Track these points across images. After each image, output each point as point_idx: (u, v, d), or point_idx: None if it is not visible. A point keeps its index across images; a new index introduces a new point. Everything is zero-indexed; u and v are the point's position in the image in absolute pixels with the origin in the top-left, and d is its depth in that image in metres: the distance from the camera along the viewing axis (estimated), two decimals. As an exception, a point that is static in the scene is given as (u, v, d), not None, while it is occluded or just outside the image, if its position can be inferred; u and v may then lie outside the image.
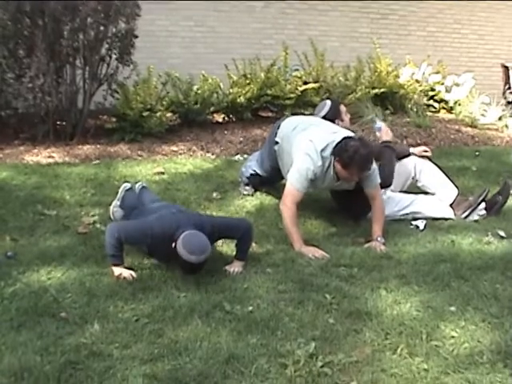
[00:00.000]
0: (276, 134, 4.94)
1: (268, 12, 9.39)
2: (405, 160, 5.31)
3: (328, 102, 5.30)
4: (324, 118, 5.08)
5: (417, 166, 5.23)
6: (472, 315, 3.38)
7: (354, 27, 9.84)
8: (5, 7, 6.10)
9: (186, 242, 3.55)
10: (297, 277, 3.79)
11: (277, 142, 4.90)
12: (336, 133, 4.57)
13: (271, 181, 5.28)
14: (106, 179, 5.63)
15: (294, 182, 4.44)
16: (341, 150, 4.35)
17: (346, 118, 5.30)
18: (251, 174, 5.37)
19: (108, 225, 3.94)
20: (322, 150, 4.42)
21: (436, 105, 9.25)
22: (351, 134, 4.60)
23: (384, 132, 5.32)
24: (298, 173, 4.43)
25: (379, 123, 5.48)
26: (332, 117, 5.13)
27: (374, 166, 4.54)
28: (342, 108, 5.31)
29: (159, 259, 3.89)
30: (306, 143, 4.50)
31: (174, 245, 3.58)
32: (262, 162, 5.25)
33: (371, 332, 3.18)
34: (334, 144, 4.41)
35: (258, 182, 5.40)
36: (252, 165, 5.39)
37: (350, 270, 3.93)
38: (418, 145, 7.44)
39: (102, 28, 6.59)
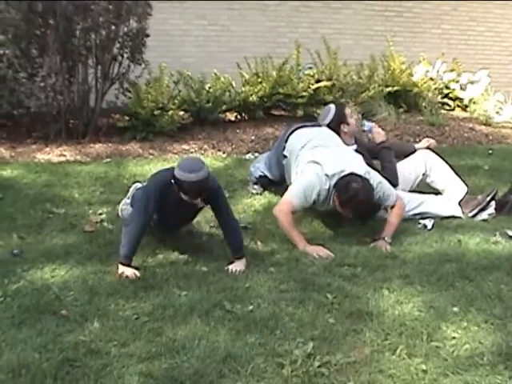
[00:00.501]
0: (284, 147, 4.90)
1: (282, 10, 9.37)
2: (415, 157, 5.28)
3: (332, 108, 5.21)
4: (329, 124, 5.05)
5: (427, 163, 5.20)
6: (475, 316, 3.35)
7: (369, 25, 9.78)
8: (17, 7, 6.16)
9: (183, 165, 3.76)
10: (299, 276, 3.78)
11: (285, 156, 4.88)
12: (346, 163, 4.46)
13: (280, 182, 5.26)
14: (115, 178, 5.66)
15: (295, 197, 4.39)
16: (342, 187, 4.29)
17: (353, 120, 5.22)
18: (260, 176, 5.37)
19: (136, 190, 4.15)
20: (332, 177, 4.36)
21: (451, 103, 9.21)
22: (359, 169, 4.45)
23: (376, 133, 5.26)
24: (303, 190, 4.38)
25: (368, 124, 5.38)
26: (337, 122, 5.10)
27: (384, 192, 4.49)
28: (347, 111, 5.24)
29: (167, 222, 4.02)
30: (315, 165, 4.45)
31: (173, 181, 3.72)
32: (271, 167, 5.25)
33: (371, 332, 3.16)
34: (342, 175, 4.35)
35: (266, 183, 5.39)
36: (261, 167, 5.38)
37: (354, 270, 3.91)
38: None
39: (113, 27, 6.64)
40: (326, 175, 4.37)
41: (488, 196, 5.03)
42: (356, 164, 4.54)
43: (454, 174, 5.19)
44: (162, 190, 3.83)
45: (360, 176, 4.35)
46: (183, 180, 3.68)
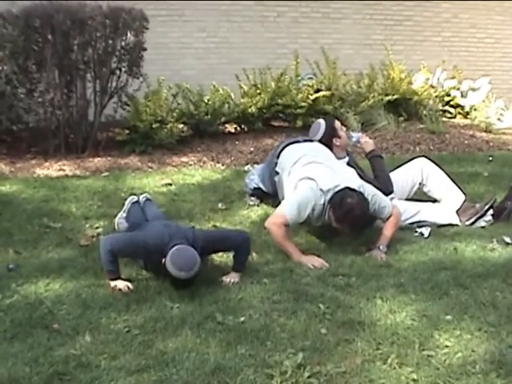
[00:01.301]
0: (276, 163, 4.89)
1: (281, 21, 9.42)
2: (411, 166, 5.27)
3: (322, 123, 5.16)
4: (321, 139, 5.03)
5: (424, 172, 5.18)
6: (468, 324, 3.33)
7: (368, 34, 9.80)
8: (14, 23, 6.21)
9: (175, 258, 3.56)
10: (293, 287, 3.77)
11: (277, 173, 4.87)
12: (340, 178, 4.45)
13: (274, 195, 5.25)
14: (113, 191, 5.68)
15: (288, 211, 4.33)
16: (336, 203, 4.27)
17: (342, 132, 5.21)
18: (254, 188, 5.38)
19: (101, 239, 3.96)
20: (327, 192, 4.34)
21: (452, 110, 9.20)
22: (353, 183, 4.43)
23: (364, 143, 5.22)
24: (297, 205, 4.33)
25: (355, 135, 5.32)
26: (329, 136, 5.07)
27: (379, 204, 4.47)
28: (337, 124, 5.22)
29: (155, 271, 3.90)
30: (309, 181, 4.42)
31: (163, 260, 3.59)
32: (264, 180, 5.24)
33: (363, 342, 3.14)
34: (336, 190, 4.34)
35: (261, 195, 5.39)
36: (255, 179, 5.38)
37: (348, 279, 3.90)
38: (430, 150, 7.44)
39: (110, 41, 6.67)
40: (321, 190, 4.35)
41: (486, 205, 5.00)
42: (350, 178, 4.53)
43: (451, 183, 5.17)
44: (148, 251, 3.74)
45: (354, 190, 4.33)
46: (171, 273, 3.56)
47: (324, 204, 4.35)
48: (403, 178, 5.17)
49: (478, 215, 4.97)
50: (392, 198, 4.89)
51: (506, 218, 5.07)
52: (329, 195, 4.34)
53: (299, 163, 4.65)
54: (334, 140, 5.07)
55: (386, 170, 5.04)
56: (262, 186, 5.28)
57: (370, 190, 4.47)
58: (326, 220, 4.41)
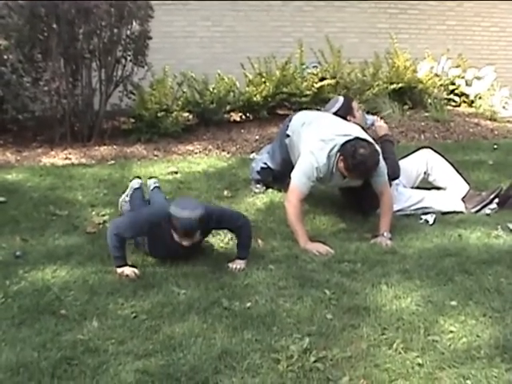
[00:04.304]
0: (288, 126, 4.95)
1: (286, 10, 9.38)
2: (416, 155, 5.28)
3: (340, 99, 5.25)
4: (336, 112, 5.06)
5: (428, 162, 5.19)
6: (473, 309, 3.35)
7: (373, 23, 9.76)
8: (20, 12, 6.21)
9: (178, 202, 3.76)
10: (298, 273, 3.80)
11: (288, 136, 4.90)
12: (348, 133, 4.48)
13: (282, 174, 5.21)
14: (119, 179, 5.69)
15: (298, 182, 4.42)
16: (348, 152, 4.29)
17: (358, 114, 5.24)
18: (262, 168, 5.38)
19: (108, 227, 4.00)
20: (331, 150, 4.38)
21: (457, 99, 9.17)
22: (364, 136, 4.52)
23: (379, 127, 5.20)
24: (303, 173, 4.41)
25: (370, 118, 5.34)
26: (344, 113, 5.09)
27: (382, 163, 4.50)
28: (354, 104, 5.24)
29: (159, 253, 3.95)
30: (314, 141, 4.47)
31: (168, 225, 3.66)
32: (274, 154, 5.26)
33: (368, 327, 3.17)
34: (343, 141, 4.37)
35: (268, 176, 5.41)
36: (263, 158, 5.41)
37: (353, 266, 3.92)
38: (435, 139, 7.43)
39: (115, 30, 6.68)
40: (327, 151, 4.36)
41: (492, 193, 5.01)
42: (360, 132, 4.57)
43: (456, 173, 5.18)
44: (153, 223, 3.79)
45: (365, 140, 4.38)
46: (176, 215, 3.62)
47: (328, 164, 4.37)
48: (408, 167, 5.17)
49: (483, 203, 4.97)
50: (397, 185, 4.91)
51: (511, 206, 5.07)
52: (335, 150, 4.36)
53: (309, 123, 4.74)
54: (348, 117, 5.06)
55: (395, 155, 5.00)
56: (270, 162, 5.30)
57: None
58: (339, 178, 4.44)
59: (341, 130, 4.57)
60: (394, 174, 4.80)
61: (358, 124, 5.03)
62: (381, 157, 4.48)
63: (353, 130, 4.57)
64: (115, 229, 3.77)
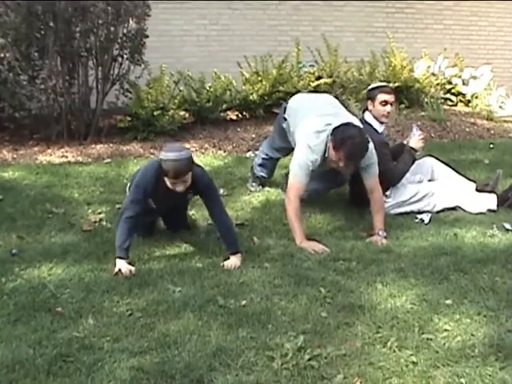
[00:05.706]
0: (285, 109, 4.97)
1: (282, 9, 9.39)
2: (422, 164, 5.27)
3: (373, 85, 5.23)
4: None
5: (434, 172, 5.24)
6: (468, 308, 3.35)
7: (370, 22, 9.78)
8: (17, 10, 6.21)
9: (166, 148, 3.91)
10: (294, 271, 3.80)
11: (285, 119, 4.92)
12: (343, 116, 4.56)
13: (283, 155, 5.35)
14: (115, 177, 5.71)
15: (296, 175, 4.44)
16: (338, 131, 4.33)
17: (381, 106, 4.97)
18: (263, 159, 5.40)
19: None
20: (323, 131, 4.41)
21: (453, 98, 9.20)
22: (357, 122, 4.55)
23: (414, 140, 4.99)
24: (299, 166, 4.42)
25: (416, 131, 5.05)
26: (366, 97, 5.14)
27: (374, 153, 4.48)
28: (383, 97, 4.98)
29: (170, 211, 4.26)
30: (310, 131, 4.46)
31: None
32: (273, 140, 5.30)
33: (363, 325, 3.17)
34: (335, 125, 4.38)
35: (272, 166, 5.47)
36: (264, 149, 5.42)
37: (348, 264, 3.93)
38: (432, 138, 7.45)
39: (112, 29, 6.68)
40: (321, 135, 4.39)
41: (494, 178, 5.16)
42: (354, 119, 4.59)
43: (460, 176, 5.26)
44: (152, 178, 3.91)
45: (356, 126, 4.42)
46: (163, 159, 3.77)
47: (324, 150, 4.39)
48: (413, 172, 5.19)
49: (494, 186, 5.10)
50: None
51: (508, 207, 5.08)
52: (327, 132, 4.39)
53: (305, 105, 4.82)
54: (368, 103, 5.02)
55: (406, 167, 4.94)
56: (270, 152, 5.33)
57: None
58: (327, 158, 4.42)
59: (336, 116, 4.57)
60: (391, 181, 4.80)
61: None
62: (372, 146, 4.44)
63: (349, 117, 4.60)
64: (124, 212, 3.90)
